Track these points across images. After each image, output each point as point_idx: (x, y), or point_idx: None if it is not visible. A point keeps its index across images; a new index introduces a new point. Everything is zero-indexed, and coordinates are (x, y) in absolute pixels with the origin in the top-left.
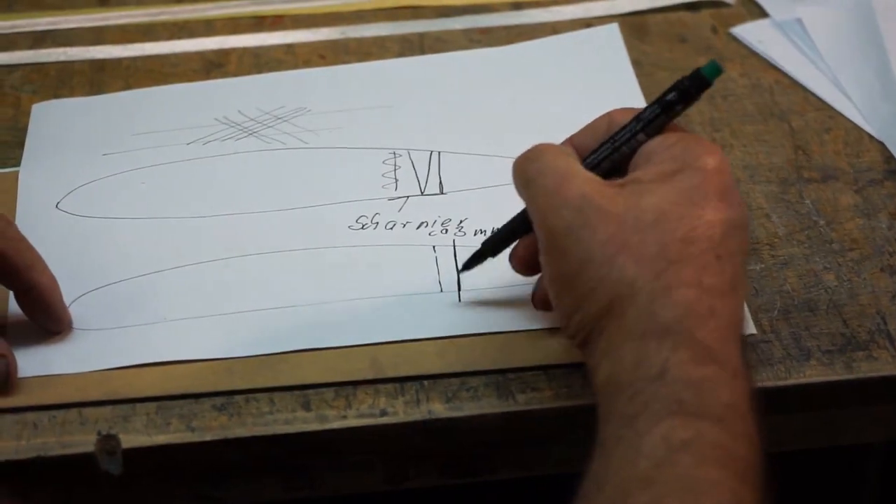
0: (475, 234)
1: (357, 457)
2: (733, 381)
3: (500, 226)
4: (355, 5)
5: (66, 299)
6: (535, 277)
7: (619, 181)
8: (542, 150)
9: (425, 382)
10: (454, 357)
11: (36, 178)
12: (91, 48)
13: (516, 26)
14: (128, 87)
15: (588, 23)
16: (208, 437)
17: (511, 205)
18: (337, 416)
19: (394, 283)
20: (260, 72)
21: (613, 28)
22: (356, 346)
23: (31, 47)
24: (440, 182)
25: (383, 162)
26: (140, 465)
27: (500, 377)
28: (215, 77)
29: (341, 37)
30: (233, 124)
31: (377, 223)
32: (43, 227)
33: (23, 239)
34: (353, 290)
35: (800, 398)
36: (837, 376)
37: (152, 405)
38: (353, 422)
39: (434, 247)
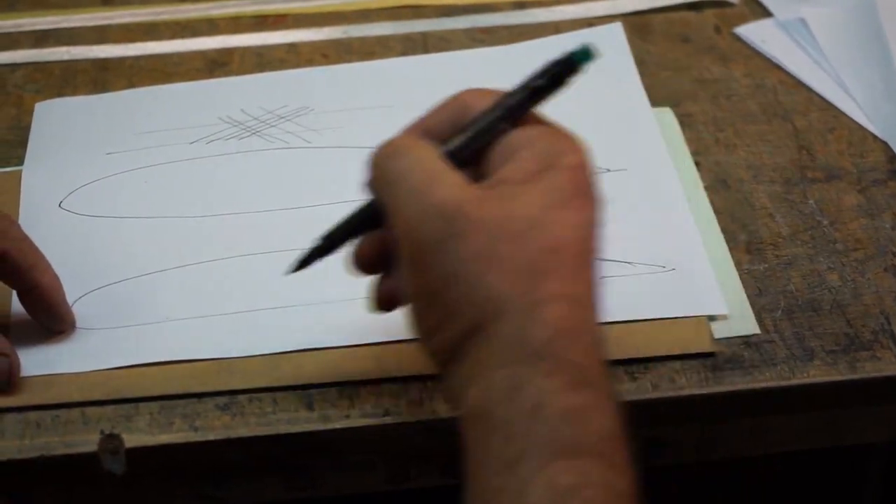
0: None
1: (359, 457)
2: (608, 403)
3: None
4: (358, 4)
5: (69, 298)
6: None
7: (488, 183)
8: (408, 146)
9: (428, 382)
10: None
11: (39, 178)
12: (94, 47)
13: (519, 26)
14: (131, 86)
15: (591, 22)
16: (211, 437)
17: None
18: (340, 416)
19: None
20: (263, 71)
21: (617, 27)
22: (359, 345)
23: (34, 46)
24: None
25: None
26: (143, 465)
27: None
28: (218, 76)
29: (344, 36)
30: (236, 123)
31: None
32: (46, 226)
33: (26, 238)
34: (356, 289)
35: (803, 398)
36: (841, 376)
37: (155, 405)
38: (356, 421)
39: None
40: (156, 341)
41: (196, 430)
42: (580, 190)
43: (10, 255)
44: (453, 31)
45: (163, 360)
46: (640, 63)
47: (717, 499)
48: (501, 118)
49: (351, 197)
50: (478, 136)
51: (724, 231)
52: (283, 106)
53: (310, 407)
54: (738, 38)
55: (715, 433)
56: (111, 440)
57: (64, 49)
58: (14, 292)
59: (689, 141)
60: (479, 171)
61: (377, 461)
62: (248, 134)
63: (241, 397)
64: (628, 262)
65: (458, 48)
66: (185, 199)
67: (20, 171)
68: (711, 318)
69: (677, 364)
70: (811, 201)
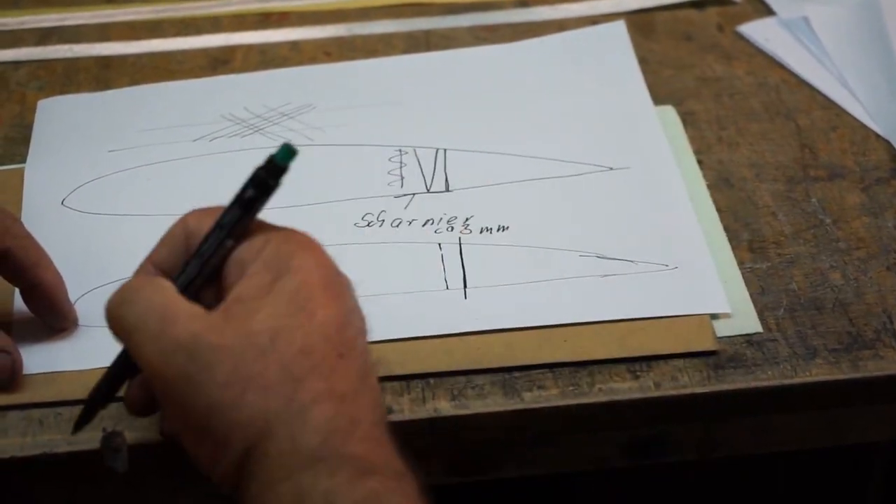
0: (481, 232)
1: None
2: (399, 484)
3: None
4: (361, 2)
5: (72, 296)
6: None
7: (223, 306)
8: (137, 289)
9: (431, 380)
10: (460, 355)
11: (42, 175)
12: (97, 45)
13: (522, 24)
14: (134, 83)
15: (594, 20)
16: None
17: (517, 202)
18: None
19: (399, 281)
20: (266, 69)
21: (620, 25)
22: None
23: (37, 44)
24: (446, 179)
25: (389, 159)
26: (145, 463)
27: (506, 375)
28: (221, 74)
29: (347, 34)
30: (239, 121)
31: (383, 220)
32: (49, 223)
33: (28, 236)
34: (358, 287)
35: (805, 397)
36: (843, 375)
37: None
38: None
39: (440, 244)
40: None
41: None
42: (319, 287)
43: (12, 253)
44: (456, 29)
45: None
46: (643, 61)
47: (718, 498)
48: (225, 238)
49: (354, 194)
50: (206, 262)
51: (727, 230)
52: (285, 104)
53: None
54: (741, 37)
55: (717, 432)
56: (114, 438)
57: (67, 47)
58: (16, 290)
59: (692, 139)
60: (220, 289)
61: None
62: (251, 132)
63: None
64: (631, 261)
65: (462, 46)
66: (188, 196)
67: (23, 169)
68: (714, 316)
69: (680, 362)
70: (814, 200)
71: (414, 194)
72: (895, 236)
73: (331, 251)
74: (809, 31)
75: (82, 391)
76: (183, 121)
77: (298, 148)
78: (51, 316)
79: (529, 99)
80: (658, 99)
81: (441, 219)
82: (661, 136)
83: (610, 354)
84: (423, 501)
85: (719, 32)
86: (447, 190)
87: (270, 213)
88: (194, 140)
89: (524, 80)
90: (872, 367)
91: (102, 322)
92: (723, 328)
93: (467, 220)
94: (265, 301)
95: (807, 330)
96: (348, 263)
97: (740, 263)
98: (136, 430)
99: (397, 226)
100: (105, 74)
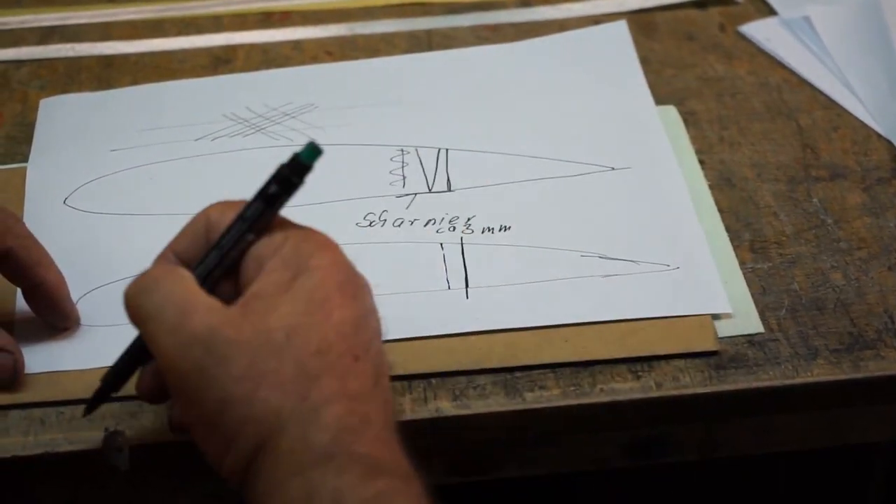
0: (483, 232)
1: None
2: (407, 486)
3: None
4: (363, 2)
5: (74, 296)
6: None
7: (241, 301)
8: (157, 278)
9: (433, 380)
10: (462, 355)
11: (43, 174)
12: (99, 44)
13: (524, 23)
14: (135, 82)
15: (596, 20)
16: None
17: (519, 202)
18: None
19: (401, 281)
20: (267, 68)
21: (621, 25)
22: None
23: (38, 43)
24: (448, 179)
25: (391, 159)
26: (147, 462)
27: (508, 375)
28: (223, 73)
29: (349, 33)
30: (240, 120)
31: (385, 220)
32: (50, 223)
33: (30, 236)
34: None
35: (807, 397)
36: (844, 375)
37: None
38: None
39: (442, 244)
40: None
41: None
42: (336, 287)
43: (14, 253)
44: (458, 29)
45: None
46: (645, 61)
47: (719, 498)
48: (246, 231)
49: (356, 194)
50: (226, 254)
51: (729, 230)
52: (287, 103)
53: None
54: (742, 37)
55: (718, 432)
56: (115, 437)
57: (69, 46)
58: (18, 289)
59: (694, 139)
60: (238, 283)
61: None
62: (253, 131)
63: None
64: (632, 261)
65: (464, 45)
66: (190, 195)
67: (25, 168)
68: (715, 316)
69: (681, 363)
70: (815, 200)
71: (416, 194)
72: None
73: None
74: (811, 30)
75: (84, 390)
76: (185, 120)
77: (324, 147)
78: (52, 315)
79: (531, 99)
80: (659, 99)
81: (443, 218)
82: (663, 135)
83: (611, 354)
84: (429, 503)
85: (721, 32)
86: (449, 190)
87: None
88: (196, 139)
89: (526, 79)
90: (874, 368)
91: (104, 322)
92: (724, 328)
93: (469, 219)
94: (283, 298)
95: (808, 330)
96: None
97: (742, 263)
98: (137, 430)
99: (399, 225)
100: (107, 74)
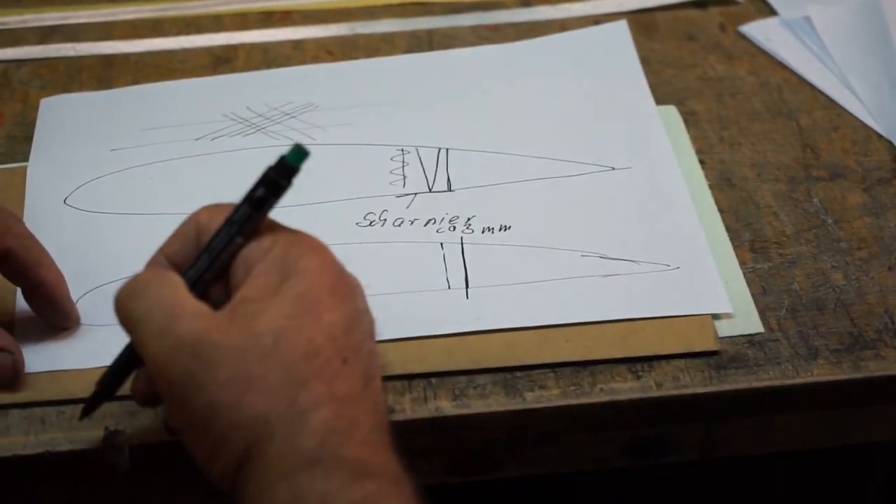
0: (483, 232)
1: None
2: (396, 488)
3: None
4: (364, 1)
5: (74, 295)
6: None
7: (229, 305)
8: (147, 283)
9: (433, 380)
10: (462, 354)
11: (44, 174)
12: (99, 43)
13: (525, 23)
14: (136, 82)
15: (596, 20)
16: None
17: (519, 202)
18: None
19: (401, 280)
20: (268, 67)
21: (622, 25)
22: None
23: (39, 42)
24: (448, 179)
25: (391, 158)
26: (147, 461)
27: (508, 375)
28: (223, 73)
29: (350, 33)
30: (241, 120)
31: (385, 220)
32: (51, 222)
33: (30, 236)
34: None
35: (807, 397)
36: (844, 375)
37: None
38: None
39: (442, 244)
40: None
41: None
42: (325, 290)
43: (14, 253)
44: (459, 29)
45: None
46: (645, 61)
47: (719, 498)
48: (234, 235)
49: (356, 194)
50: (215, 258)
51: (729, 230)
52: (288, 103)
53: None
54: (743, 37)
55: (718, 432)
56: (115, 436)
57: (69, 45)
58: (18, 289)
59: (694, 139)
60: (229, 287)
61: None
62: (253, 131)
63: None
64: (633, 261)
65: (464, 45)
66: (190, 195)
67: (25, 168)
68: (715, 316)
69: (681, 363)
70: (815, 200)
71: (416, 194)
72: None
73: (333, 251)
74: (811, 30)
75: (84, 390)
76: (185, 120)
77: (310, 149)
78: (52, 315)
79: (531, 98)
80: (660, 99)
81: (443, 218)
82: (663, 136)
83: (611, 354)
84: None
85: (721, 32)
86: (449, 189)
87: (274, 211)
88: (196, 139)
89: (526, 79)
90: (874, 368)
91: (104, 321)
92: (724, 328)
93: (469, 219)
94: (271, 302)
95: (808, 330)
96: (350, 263)
97: (742, 263)
98: (137, 429)
99: (399, 225)
100: (107, 73)
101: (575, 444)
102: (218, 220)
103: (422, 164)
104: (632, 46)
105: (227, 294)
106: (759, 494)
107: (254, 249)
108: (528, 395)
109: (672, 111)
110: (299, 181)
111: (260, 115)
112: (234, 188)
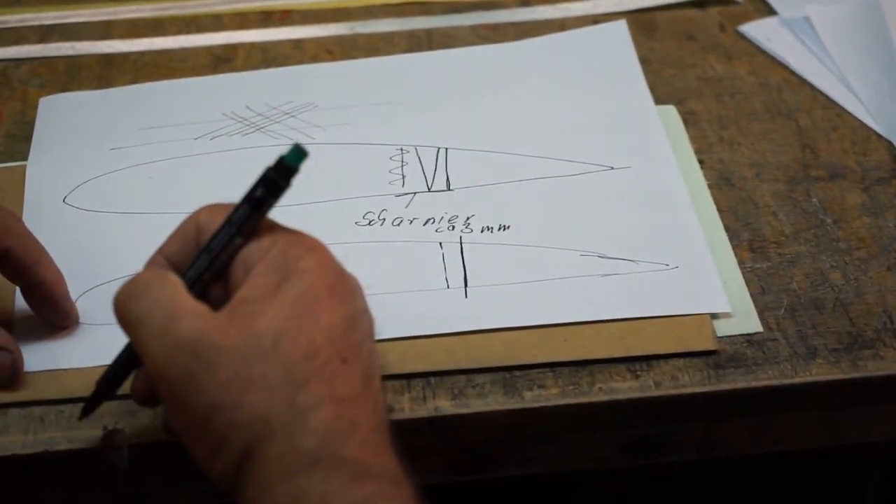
0: (482, 231)
1: None
2: (395, 489)
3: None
4: (363, 1)
5: (73, 294)
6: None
7: (229, 306)
8: (146, 283)
9: (432, 379)
10: (461, 354)
11: (43, 173)
12: (99, 42)
13: (524, 23)
14: (135, 81)
15: (596, 19)
16: None
17: (518, 202)
18: None
19: (400, 280)
20: (268, 67)
21: (621, 25)
22: None
23: (38, 41)
24: (447, 178)
25: (390, 158)
26: (146, 460)
27: (507, 374)
28: (223, 72)
29: (349, 32)
30: (240, 119)
31: (384, 219)
32: (50, 221)
33: (29, 235)
34: None
35: (805, 397)
36: (843, 375)
37: None
38: None
39: (441, 243)
40: None
41: None
42: (324, 290)
43: (13, 252)
44: (458, 28)
45: None
46: (645, 61)
47: (718, 498)
48: (234, 235)
49: (355, 193)
50: (215, 258)
51: (728, 229)
52: (287, 102)
53: None
54: (742, 36)
55: (717, 431)
56: (114, 435)
57: (69, 44)
58: (17, 288)
59: (693, 139)
60: (228, 287)
61: None
62: (253, 130)
63: None
64: (631, 261)
65: (463, 45)
66: (190, 194)
67: (24, 167)
68: (714, 316)
69: (680, 362)
70: (814, 200)
71: (415, 193)
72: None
73: (332, 250)
74: (811, 30)
75: (83, 389)
76: (184, 119)
77: (309, 149)
78: (52, 314)
79: (531, 98)
80: (659, 98)
81: (442, 218)
82: (663, 135)
83: (610, 354)
84: (420, 501)
85: (721, 32)
86: (448, 189)
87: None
88: (196, 138)
89: (525, 79)
90: (872, 367)
91: (103, 320)
92: (723, 328)
93: (468, 219)
94: (270, 303)
95: (807, 330)
96: (349, 262)
97: (741, 263)
98: (136, 428)
99: (398, 225)
100: (107, 72)
101: (574, 444)
102: (217, 220)
103: (421, 163)
104: (631, 46)
105: (226, 294)
106: (758, 494)
107: (253, 249)
108: (527, 395)
109: (671, 111)
110: (298, 180)
111: (259, 115)
112: (233, 187)
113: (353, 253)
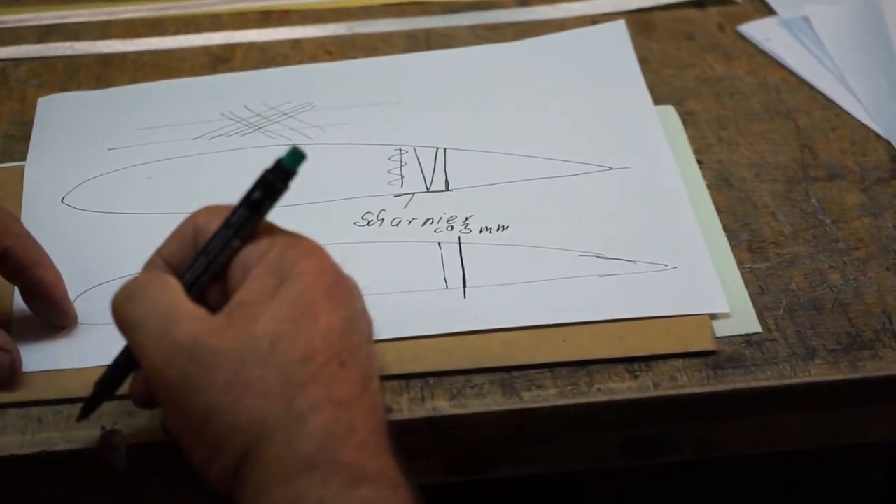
0: (480, 232)
1: None
2: (393, 493)
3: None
4: (362, 1)
5: (72, 294)
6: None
7: (227, 309)
8: (144, 286)
9: (430, 379)
10: (459, 354)
11: (41, 173)
12: (98, 42)
13: (523, 23)
14: (134, 81)
15: (595, 20)
16: None
17: (517, 202)
18: None
19: (399, 280)
20: (266, 67)
21: (620, 25)
22: None
23: (37, 41)
24: (446, 178)
25: (389, 158)
26: (144, 461)
27: (505, 375)
28: (221, 72)
29: (348, 32)
30: (239, 119)
31: (383, 219)
32: (48, 221)
33: (28, 235)
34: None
35: (804, 397)
36: (842, 375)
37: None
38: None
39: (439, 243)
40: None
41: None
42: (323, 292)
43: (12, 252)
44: (457, 28)
45: None
46: (643, 61)
47: (718, 498)
48: (231, 238)
49: (354, 193)
50: (212, 261)
51: (726, 229)
52: (286, 102)
53: None
54: (741, 36)
55: (716, 432)
56: (112, 436)
57: (67, 44)
58: (16, 288)
59: (692, 139)
60: (226, 289)
61: None
62: (251, 130)
63: None
64: (630, 261)
65: (462, 45)
66: (188, 194)
67: (23, 167)
68: (713, 316)
69: (679, 362)
70: (813, 200)
71: (414, 193)
72: (895, 236)
73: (330, 250)
74: (810, 30)
75: (82, 389)
76: (183, 119)
77: (306, 151)
78: (50, 314)
79: (529, 98)
80: (658, 98)
81: (441, 218)
82: (661, 135)
83: (609, 354)
84: None
85: (720, 32)
86: (447, 189)
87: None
88: (194, 138)
89: (524, 79)
90: (871, 368)
91: (102, 320)
92: (722, 328)
93: (467, 219)
94: (268, 306)
95: (806, 330)
96: (347, 262)
97: (740, 263)
98: (134, 429)
99: (397, 225)
100: (105, 72)
101: (572, 444)
102: (215, 223)
103: (420, 163)
104: (630, 46)
105: (224, 297)
106: (757, 494)
107: (251, 252)
108: (526, 395)
109: (670, 111)
110: (297, 181)
111: (258, 115)
112: (232, 188)
113: (351, 253)
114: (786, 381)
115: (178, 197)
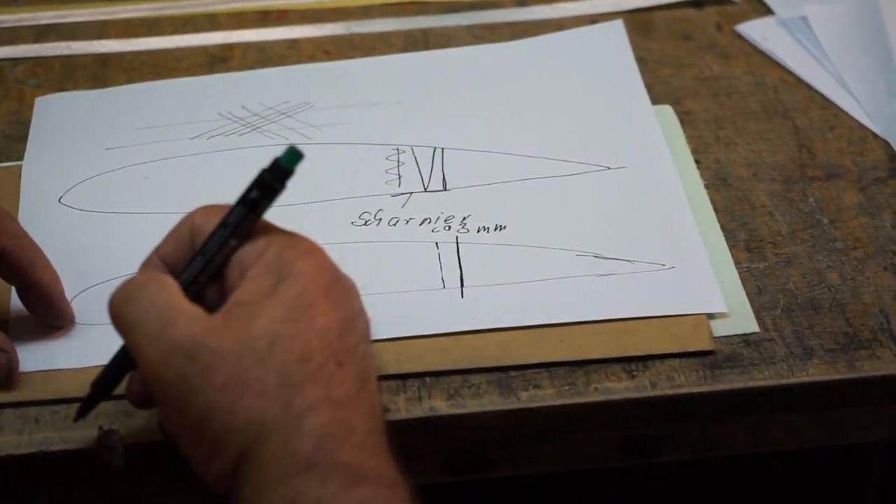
0: (478, 231)
1: None
2: (391, 493)
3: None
4: (360, 0)
5: (69, 294)
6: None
7: (224, 308)
8: (141, 286)
9: (427, 379)
10: (456, 354)
11: (39, 173)
12: (95, 42)
13: (521, 23)
14: (131, 81)
15: (593, 19)
16: None
17: (514, 202)
18: None
19: (396, 280)
20: (264, 67)
21: (618, 25)
22: None
23: (35, 41)
24: (443, 178)
25: (387, 158)
26: (142, 461)
27: (503, 374)
28: (219, 72)
29: (346, 32)
30: (236, 119)
31: (380, 219)
32: (46, 221)
33: (25, 235)
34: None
35: (802, 397)
36: (840, 375)
37: None
38: None
39: (437, 243)
40: None
41: None
42: (320, 292)
43: (8, 252)
44: (455, 28)
45: None
46: (641, 60)
47: (716, 498)
48: (228, 237)
49: (351, 193)
50: (210, 260)
51: (724, 229)
52: (283, 102)
53: None
54: (739, 36)
55: (714, 431)
56: (110, 436)
57: (65, 44)
58: (13, 288)
59: (690, 139)
60: (224, 289)
61: None
62: (249, 130)
63: None
64: (628, 261)
65: (460, 45)
66: (186, 194)
67: (20, 166)
68: (711, 316)
69: (676, 362)
70: (811, 200)
71: (411, 193)
72: (892, 236)
73: (328, 250)
74: (808, 30)
75: (79, 389)
76: (181, 119)
77: (304, 151)
78: (47, 314)
79: (527, 98)
80: (656, 98)
81: (438, 218)
82: (659, 135)
83: (606, 354)
84: None
85: (718, 32)
86: (444, 189)
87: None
88: (192, 138)
89: (522, 79)
90: (869, 368)
91: (99, 320)
92: (719, 328)
93: (464, 219)
94: (265, 306)
95: (804, 330)
96: (345, 262)
97: (737, 263)
98: (132, 429)
99: (394, 224)
100: (103, 72)
101: (570, 444)
102: (213, 222)
103: (417, 163)
104: (628, 46)
105: (221, 296)
106: (756, 494)
107: (248, 252)
108: (523, 395)
109: (668, 111)
110: (294, 180)
111: (256, 115)
112: (229, 187)
113: (349, 253)
114: (783, 381)
115: (176, 197)
